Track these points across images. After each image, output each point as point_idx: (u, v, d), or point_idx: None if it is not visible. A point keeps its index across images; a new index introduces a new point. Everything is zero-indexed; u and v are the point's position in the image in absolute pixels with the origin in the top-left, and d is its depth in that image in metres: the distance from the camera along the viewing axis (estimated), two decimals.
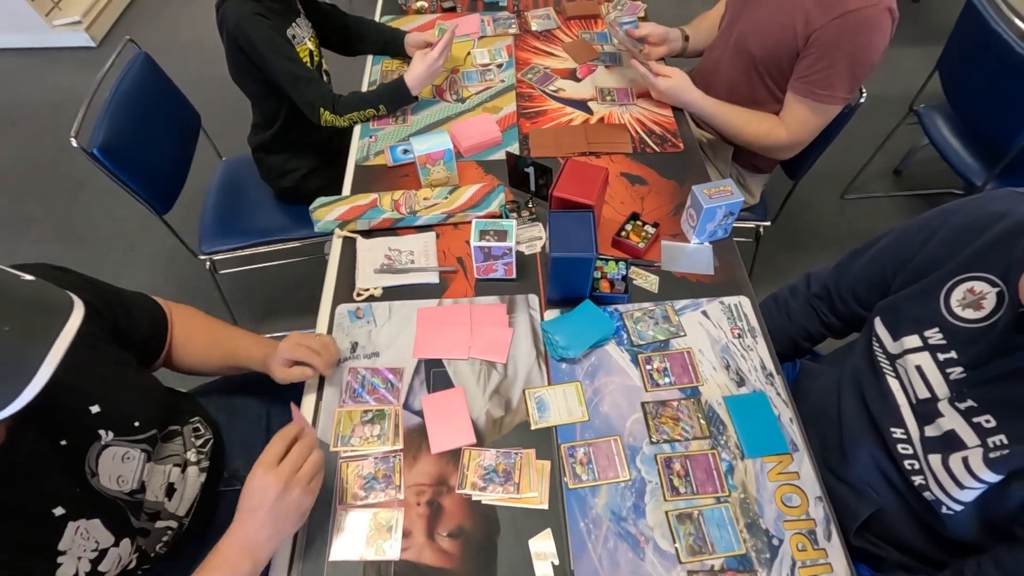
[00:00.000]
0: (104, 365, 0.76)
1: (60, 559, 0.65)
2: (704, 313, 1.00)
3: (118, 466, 0.74)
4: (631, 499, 0.82)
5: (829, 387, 0.93)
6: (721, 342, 0.97)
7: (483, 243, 0.97)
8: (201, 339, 0.96)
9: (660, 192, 1.19)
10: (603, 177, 1.00)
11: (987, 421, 0.68)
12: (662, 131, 1.31)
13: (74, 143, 1.23)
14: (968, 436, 0.70)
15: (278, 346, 0.90)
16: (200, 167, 1.70)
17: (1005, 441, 0.66)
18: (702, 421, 0.88)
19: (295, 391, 0.93)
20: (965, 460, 0.68)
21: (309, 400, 0.92)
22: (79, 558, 0.68)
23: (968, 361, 0.72)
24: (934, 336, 0.76)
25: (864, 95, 1.28)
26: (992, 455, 0.66)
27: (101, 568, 0.70)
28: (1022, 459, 0.63)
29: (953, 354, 0.74)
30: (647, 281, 1.05)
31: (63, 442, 0.69)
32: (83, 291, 0.73)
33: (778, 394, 0.91)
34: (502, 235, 0.98)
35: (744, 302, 1.02)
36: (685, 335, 0.98)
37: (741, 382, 0.93)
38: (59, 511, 0.66)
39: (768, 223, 1.61)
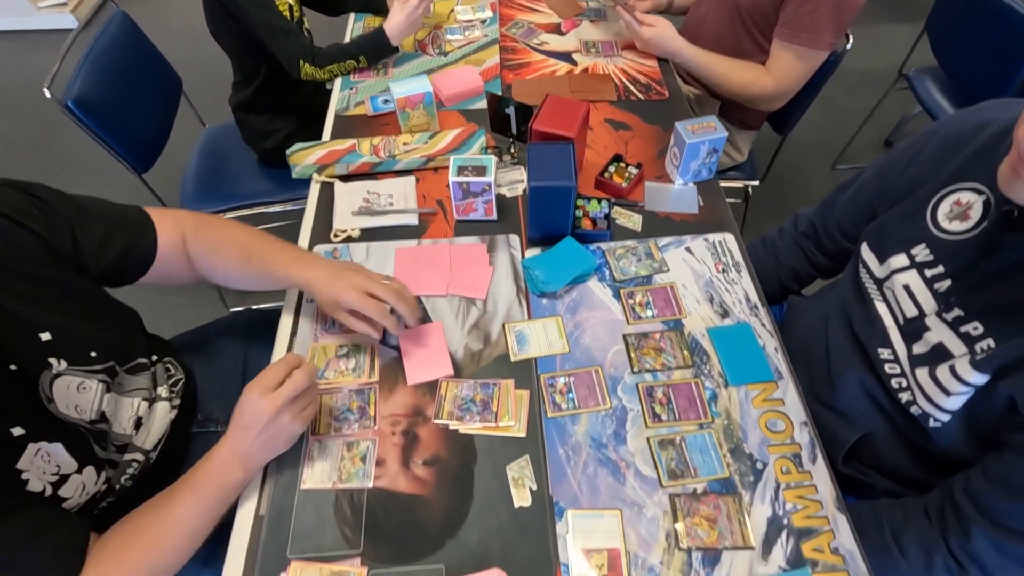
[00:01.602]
0: (54, 293, 0.72)
1: (24, 475, 0.64)
2: (688, 250, 0.98)
3: (74, 395, 0.71)
4: (612, 427, 0.80)
5: (816, 320, 0.91)
6: (705, 276, 0.95)
7: (461, 178, 0.95)
8: (231, 254, 0.86)
9: (644, 137, 1.17)
10: (584, 112, 0.98)
11: (975, 328, 0.66)
12: (647, 80, 1.29)
13: (47, 94, 1.20)
14: (955, 346, 0.68)
15: (336, 289, 0.81)
16: (184, 135, 1.69)
17: (992, 345, 0.64)
18: (685, 352, 0.86)
19: (270, 334, 0.90)
20: (952, 367, 0.66)
21: (283, 333, 0.90)
22: (39, 480, 0.66)
23: (954, 271, 0.70)
24: (921, 253, 0.74)
25: (850, 41, 1.27)
26: (979, 358, 0.64)
27: (62, 493, 0.68)
28: (1008, 355, 0.61)
29: (940, 269, 0.72)
30: (630, 220, 1.03)
31: (12, 367, 0.66)
32: (22, 213, 0.70)
33: (763, 325, 0.89)
34: (481, 170, 0.96)
35: (728, 238, 1.00)
36: (668, 271, 0.96)
37: (725, 314, 0.91)
38: (18, 431, 0.64)
39: (757, 183, 1.59)
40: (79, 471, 0.70)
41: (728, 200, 1.07)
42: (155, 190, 1.48)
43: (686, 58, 1.29)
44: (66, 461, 0.69)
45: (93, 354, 0.74)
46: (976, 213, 0.69)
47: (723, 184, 1.04)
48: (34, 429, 0.66)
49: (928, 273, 0.73)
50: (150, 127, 1.49)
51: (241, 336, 1.08)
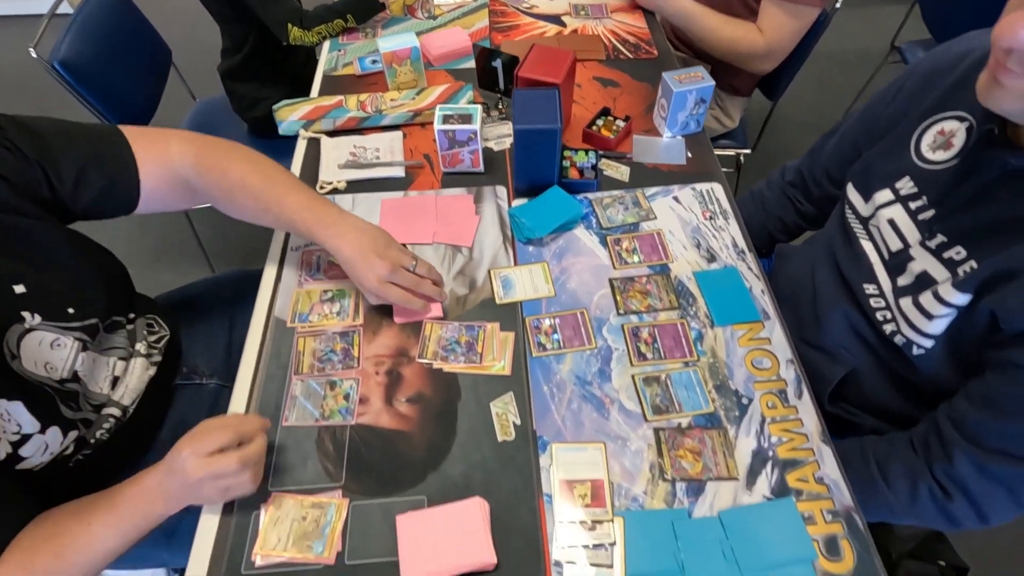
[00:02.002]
0: (30, 244, 0.70)
1: None
2: (675, 198, 0.98)
3: (46, 352, 0.69)
4: (596, 365, 0.79)
5: (803, 265, 0.91)
6: (692, 224, 0.94)
7: (447, 126, 0.94)
8: (247, 203, 0.81)
9: (633, 93, 1.16)
10: (570, 60, 0.98)
11: (957, 253, 0.66)
12: (636, 40, 1.28)
13: (33, 54, 1.20)
14: (938, 272, 0.67)
15: (360, 276, 0.78)
16: (175, 108, 1.68)
17: (975, 266, 0.63)
18: (671, 295, 0.86)
19: (256, 291, 0.89)
20: (935, 292, 0.66)
21: (268, 280, 0.89)
22: None
23: (936, 198, 0.69)
24: (905, 186, 0.74)
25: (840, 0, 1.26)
26: (960, 279, 0.64)
27: (23, 452, 0.66)
28: (988, 271, 0.61)
29: (924, 200, 0.71)
30: (618, 172, 1.02)
31: None
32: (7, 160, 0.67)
33: (749, 268, 0.89)
34: (466, 118, 0.95)
35: (716, 188, 0.99)
36: (655, 218, 0.95)
37: (712, 259, 0.90)
38: None
39: (748, 151, 1.59)
40: (42, 431, 0.68)
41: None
42: None
43: (676, 9, 1.28)
44: (27, 421, 0.66)
45: (71, 311, 0.72)
46: (959, 141, 0.69)
47: (716, 152, 1.03)
48: None
49: (912, 205, 0.73)
50: (139, 95, 1.48)
51: (227, 293, 1.07)
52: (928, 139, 0.73)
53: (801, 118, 2.39)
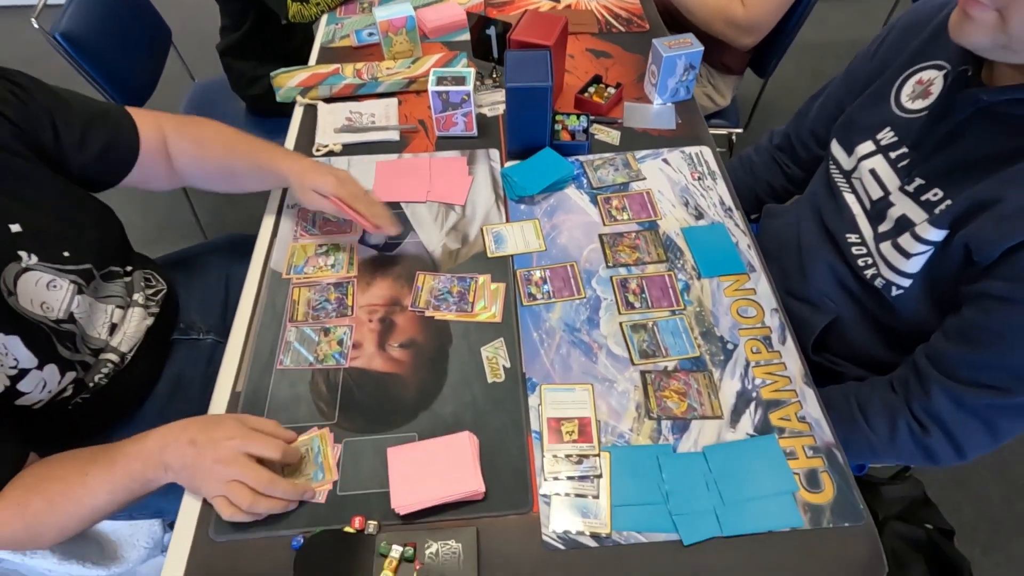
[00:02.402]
0: (28, 187, 0.72)
1: None
2: (665, 160, 1.00)
3: (42, 292, 0.70)
4: (585, 314, 0.81)
5: (789, 222, 0.93)
6: (681, 184, 0.96)
7: (441, 88, 0.96)
8: (216, 148, 0.88)
9: (624, 63, 1.19)
10: (562, 24, 1.00)
11: (934, 195, 0.68)
12: (628, 15, 1.31)
13: (35, 24, 1.22)
14: (916, 214, 0.69)
15: (314, 176, 0.83)
16: (173, 91, 1.70)
17: (950, 204, 0.65)
18: (659, 249, 0.88)
19: (251, 253, 0.91)
20: (912, 232, 0.68)
21: (264, 234, 0.91)
22: None
23: (913, 143, 0.71)
24: (886, 136, 0.76)
25: None
26: (935, 217, 0.65)
27: (21, 387, 0.67)
28: (961, 206, 0.63)
29: (904, 149, 0.73)
30: (609, 136, 1.04)
31: None
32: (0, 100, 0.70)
33: (736, 225, 0.90)
34: (460, 80, 0.97)
35: (705, 151, 1.01)
36: (645, 179, 0.97)
37: (700, 216, 0.92)
38: None
39: (740, 130, 1.61)
40: (39, 367, 0.69)
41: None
42: None
43: None
44: (24, 356, 0.67)
45: (66, 254, 0.73)
46: (937, 88, 0.71)
47: (709, 131, 1.05)
48: None
49: (893, 155, 0.75)
50: (139, 72, 1.50)
51: (223, 254, 1.09)
52: (908, 89, 0.75)
53: (795, 106, 2.41)
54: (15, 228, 0.69)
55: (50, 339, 0.71)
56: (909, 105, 0.74)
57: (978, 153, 0.63)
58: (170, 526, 1.00)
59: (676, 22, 1.46)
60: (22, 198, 0.71)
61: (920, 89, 0.73)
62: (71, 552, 0.93)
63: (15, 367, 0.67)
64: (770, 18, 1.28)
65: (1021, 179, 0.58)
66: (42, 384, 0.70)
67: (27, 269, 0.69)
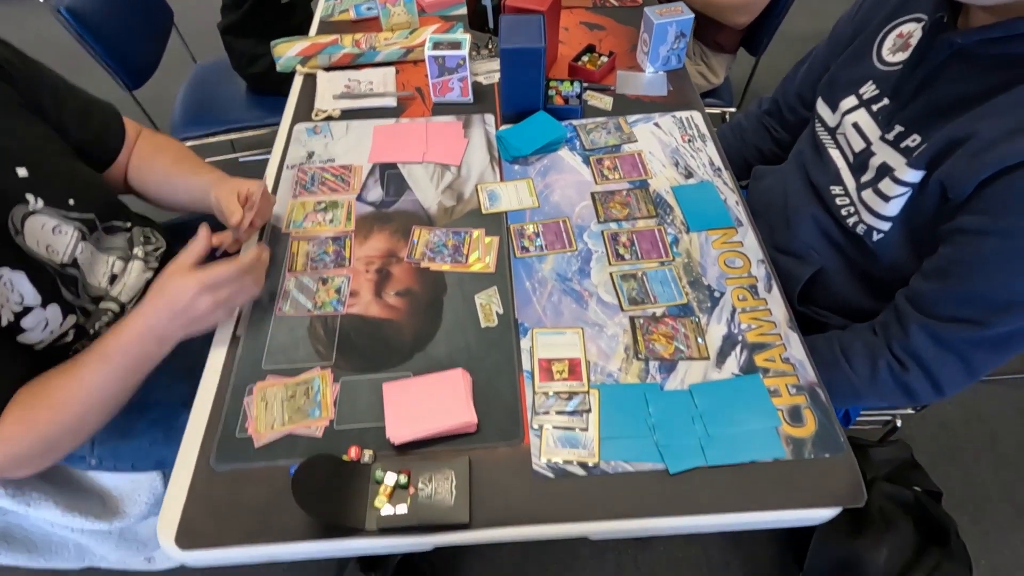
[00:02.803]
0: (33, 136, 0.75)
1: None
2: (656, 124, 1.02)
3: (48, 235, 0.73)
4: (577, 265, 0.83)
5: (776, 180, 0.95)
6: (671, 146, 0.99)
7: (437, 52, 0.99)
8: (168, 155, 0.92)
9: (618, 35, 1.21)
10: None
11: (913, 140, 0.70)
12: None
13: None
14: (896, 160, 0.71)
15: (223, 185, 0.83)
16: (174, 73, 1.72)
17: (926, 146, 0.67)
18: (649, 206, 0.90)
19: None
20: (892, 176, 0.70)
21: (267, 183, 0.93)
22: (1, 306, 0.67)
23: (891, 92, 0.73)
24: (868, 90, 0.78)
25: None
26: (913, 160, 0.68)
27: (24, 324, 0.69)
28: (937, 145, 0.65)
29: (885, 101, 0.76)
30: (601, 101, 1.06)
31: None
32: (10, 64, 0.74)
33: (725, 184, 0.93)
34: (455, 45, 0.99)
35: (695, 115, 1.03)
36: (637, 141, 0.99)
37: (689, 175, 0.94)
38: None
39: (733, 109, 1.63)
40: (43, 306, 0.71)
41: None
42: (146, 112, 1.51)
43: None
44: (29, 292, 0.69)
45: (71, 202, 0.76)
46: (915, 40, 0.73)
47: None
48: None
49: (875, 107, 0.77)
50: (141, 50, 1.53)
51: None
52: (889, 43, 0.77)
53: None
54: (22, 172, 0.71)
55: (54, 280, 0.73)
56: (890, 58, 0.76)
57: (953, 95, 0.66)
58: None
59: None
60: (30, 146, 0.74)
61: (900, 42, 0.75)
62: (74, 506, 0.95)
63: (20, 303, 0.69)
64: None
65: (991, 113, 0.61)
66: (44, 323, 0.72)
67: (33, 212, 0.71)
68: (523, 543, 1.29)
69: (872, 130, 0.76)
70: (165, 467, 0.96)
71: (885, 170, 0.72)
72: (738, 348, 0.74)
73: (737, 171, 1.06)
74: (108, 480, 1.00)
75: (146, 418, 0.87)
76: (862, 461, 1.05)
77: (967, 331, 0.65)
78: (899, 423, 1.09)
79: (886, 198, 0.70)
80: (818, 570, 1.09)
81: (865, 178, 0.76)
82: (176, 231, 1.07)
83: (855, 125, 0.79)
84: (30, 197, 0.71)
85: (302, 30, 1.56)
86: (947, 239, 0.66)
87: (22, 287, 0.69)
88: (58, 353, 0.77)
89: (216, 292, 0.67)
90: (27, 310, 0.69)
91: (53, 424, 0.66)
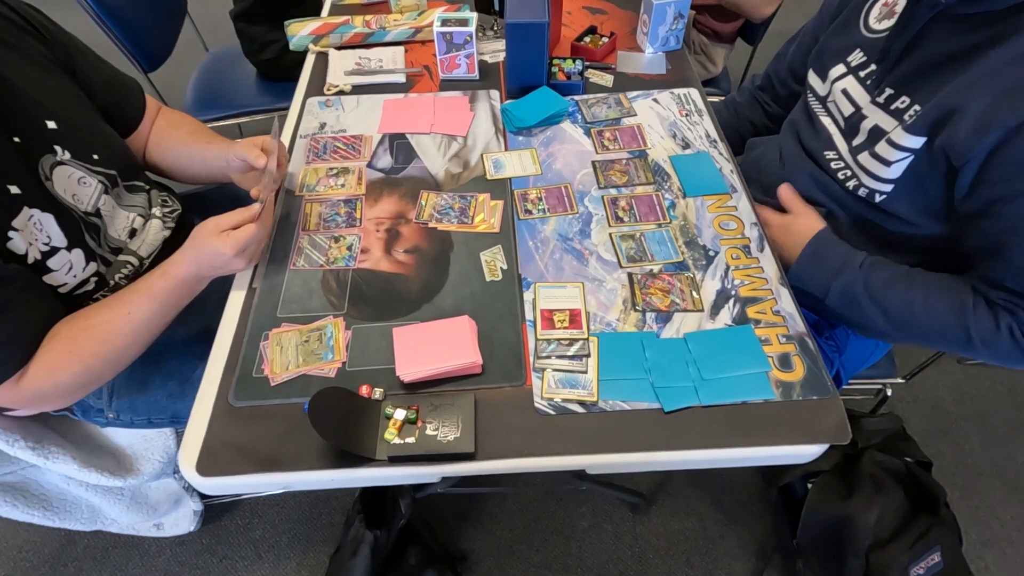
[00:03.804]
0: (62, 93, 0.79)
1: (11, 234, 0.68)
2: (655, 100, 1.06)
3: (74, 185, 0.77)
4: (578, 226, 0.87)
5: (770, 148, 0.99)
6: (669, 119, 1.03)
7: (445, 29, 1.03)
8: (184, 129, 0.97)
9: (619, 19, 1.25)
10: None
11: (902, 102, 0.73)
12: None
13: None
14: (887, 123, 0.75)
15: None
16: (187, 60, 1.77)
17: (919, 109, 0.71)
18: (648, 173, 0.94)
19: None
20: (888, 139, 0.73)
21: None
22: (30, 244, 0.70)
23: (878, 57, 0.77)
24: (856, 57, 0.82)
25: None
26: (909, 124, 0.71)
27: (51, 264, 0.73)
28: (935, 113, 0.68)
29: (873, 66, 0.79)
30: (603, 79, 1.10)
31: (16, 139, 0.71)
32: (44, 29, 0.80)
33: (720, 154, 0.97)
34: (463, 22, 1.04)
35: (693, 92, 1.07)
36: (636, 115, 1.03)
37: (687, 146, 0.98)
38: (15, 190, 0.69)
39: None
40: (68, 249, 0.75)
41: None
42: (161, 96, 1.55)
43: None
44: (56, 234, 0.73)
45: (96, 157, 0.80)
46: (901, 7, 0.77)
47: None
48: (30, 194, 0.71)
49: (862, 73, 0.81)
50: (155, 35, 1.57)
51: (235, 188, 1.14)
52: (875, 12, 0.81)
53: None
54: (51, 125, 0.75)
55: (79, 225, 0.77)
56: (876, 26, 0.80)
57: (939, 54, 0.69)
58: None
59: None
60: (60, 102, 0.78)
61: (886, 11, 0.79)
62: (90, 462, 0.98)
63: (48, 243, 0.73)
64: None
65: (978, 85, 0.64)
66: (69, 265, 0.75)
67: (61, 163, 0.76)
68: (522, 513, 1.33)
69: (861, 95, 0.80)
70: (179, 423, 0.99)
71: (878, 133, 0.76)
72: (731, 302, 0.78)
73: (732, 145, 1.09)
74: (123, 437, 1.03)
75: (163, 371, 0.91)
76: (854, 429, 1.08)
77: None
78: (889, 392, 1.12)
79: (886, 162, 0.74)
80: (811, 534, 1.12)
81: (857, 141, 0.80)
82: (191, 202, 1.11)
83: (844, 91, 0.83)
84: (58, 148, 0.76)
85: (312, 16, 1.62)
86: (982, 216, 0.68)
87: (50, 228, 0.73)
88: (78, 302, 0.80)
89: (246, 250, 0.75)
90: (54, 250, 0.73)
91: (98, 356, 0.71)
